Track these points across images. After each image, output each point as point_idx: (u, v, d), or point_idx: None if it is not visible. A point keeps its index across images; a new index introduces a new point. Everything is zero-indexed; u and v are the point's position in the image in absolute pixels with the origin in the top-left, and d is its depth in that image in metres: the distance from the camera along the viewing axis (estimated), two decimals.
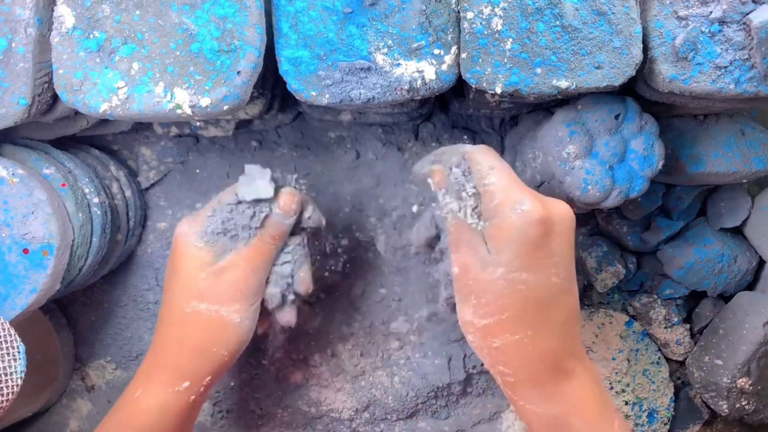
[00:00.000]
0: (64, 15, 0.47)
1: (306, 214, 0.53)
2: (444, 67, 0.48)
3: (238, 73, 0.46)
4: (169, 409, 0.49)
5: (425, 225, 0.51)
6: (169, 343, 0.51)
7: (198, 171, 0.65)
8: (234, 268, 0.49)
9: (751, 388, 0.61)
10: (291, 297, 0.52)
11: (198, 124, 0.61)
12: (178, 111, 0.47)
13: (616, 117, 0.52)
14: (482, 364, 0.67)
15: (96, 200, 0.56)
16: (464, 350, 0.66)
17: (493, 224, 0.44)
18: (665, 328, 0.67)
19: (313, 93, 0.48)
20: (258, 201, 0.50)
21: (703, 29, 0.46)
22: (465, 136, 0.65)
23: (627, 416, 0.67)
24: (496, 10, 0.46)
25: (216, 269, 0.49)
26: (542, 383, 0.44)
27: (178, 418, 0.50)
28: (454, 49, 0.48)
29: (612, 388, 0.67)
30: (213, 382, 0.51)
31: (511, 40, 0.46)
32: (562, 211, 0.45)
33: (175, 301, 0.50)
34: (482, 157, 0.46)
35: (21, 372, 0.46)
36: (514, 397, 0.45)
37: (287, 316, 0.53)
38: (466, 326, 0.45)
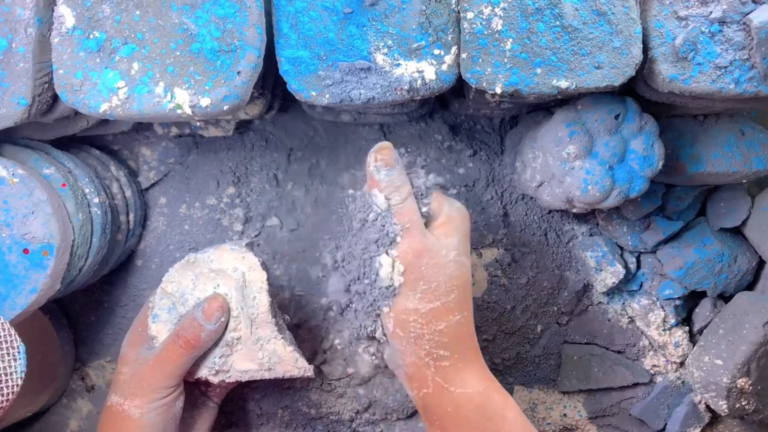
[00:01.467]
0: (65, 15, 0.47)
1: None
2: (444, 67, 0.48)
3: (239, 73, 0.46)
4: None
5: (362, 205, 0.49)
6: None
7: (198, 171, 0.65)
8: (142, 365, 0.51)
9: (751, 388, 0.61)
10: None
11: (198, 124, 0.61)
12: (179, 111, 0.47)
13: (616, 117, 0.52)
14: None
15: (96, 200, 0.56)
16: None
17: (440, 218, 0.49)
18: (663, 330, 0.67)
19: (313, 93, 0.48)
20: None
21: (703, 29, 0.46)
22: (460, 140, 0.65)
23: None
24: (496, 10, 0.46)
25: (133, 365, 0.52)
26: (473, 361, 0.49)
27: None
28: (454, 49, 0.48)
29: None
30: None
31: (511, 40, 0.47)
32: (465, 209, 0.51)
33: (110, 389, 0.53)
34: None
35: (21, 372, 0.46)
36: (446, 384, 0.47)
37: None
38: (409, 314, 0.46)
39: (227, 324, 0.51)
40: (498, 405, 0.48)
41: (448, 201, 0.50)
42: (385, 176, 0.47)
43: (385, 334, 0.50)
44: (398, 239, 0.46)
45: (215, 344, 0.51)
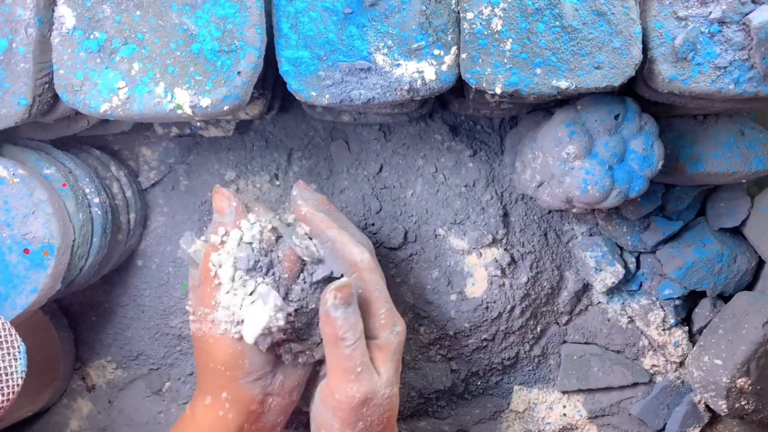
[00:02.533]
0: (65, 15, 0.47)
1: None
2: (444, 67, 0.48)
3: (239, 73, 0.46)
4: (200, 422, 0.51)
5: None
6: (196, 362, 0.53)
7: (198, 171, 0.65)
8: (195, 282, 0.51)
9: (750, 387, 0.61)
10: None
11: (198, 124, 0.61)
12: (179, 111, 0.47)
13: (616, 117, 0.52)
14: (484, 368, 0.67)
15: (96, 200, 0.56)
16: (468, 362, 0.66)
17: (380, 343, 0.49)
18: (663, 330, 0.67)
19: (314, 93, 0.48)
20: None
21: (702, 29, 0.46)
22: (460, 141, 0.65)
23: None
24: (496, 10, 0.46)
25: (192, 287, 0.52)
26: None
27: (211, 430, 0.50)
28: (454, 49, 0.48)
29: None
30: (246, 402, 0.51)
31: (510, 40, 0.47)
32: (404, 328, 0.51)
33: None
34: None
35: (21, 372, 0.46)
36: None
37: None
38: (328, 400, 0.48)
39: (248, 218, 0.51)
40: None
41: (391, 321, 0.50)
42: (341, 314, 0.47)
43: None
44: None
45: None
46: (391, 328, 0.50)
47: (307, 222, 0.51)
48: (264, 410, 0.52)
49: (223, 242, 0.50)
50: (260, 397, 0.51)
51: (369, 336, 0.49)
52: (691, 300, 0.69)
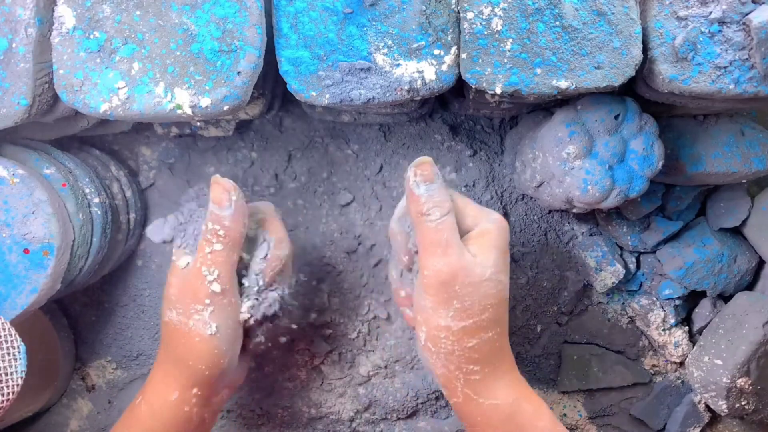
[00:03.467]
0: (65, 15, 0.47)
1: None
2: (444, 67, 0.48)
3: (239, 73, 0.46)
4: (162, 418, 0.49)
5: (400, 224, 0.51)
6: (160, 352, 0.51)
7: (198, 171, 0.65)
8: (186, 273, 0.49)
9: (750, 387, 0.61)
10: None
11: (198, 124, 0.61)
12: (179, 111, 0.47)
13: (616, 117, 0.52)
14: None
15: (96, 200, 0.56)
16: None
17: (476, 233, 0.48)
18: (663, 330, 0.67)
19: (313, 93, 0.48)
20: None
21: (702, 29, 0.46)
22: (460, 141, 0.65)
23: None
24: (496, 10, 0.46)
25: (180, 277, 0.49)
26: (504, 373, 0.48)
27: (172, 427, 0.49)
28: (454, 49, 0.48)
29: None
30: (209, 396, 0.51)
31: (511, 40, 0.47)
32: (505, 221, 0.50)
33: (162, 309, 0.51)
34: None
35: (21, 372, 0.46)
36: (475, 396, 0.48)
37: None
38: (440, 331, 0.47)
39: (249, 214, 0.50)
40: (528, 415, 0.48)
41: (485, 213, 0.49)
42: (424, 191, 0.47)
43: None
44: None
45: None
46: (486, 217, 0.48)
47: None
48: (222, 402, 0.53)
49: (214, 251, 0.48)
50: (224, 391, 0.52)
51: (464, 230, 0.48)
52: (691, 300, 0.69)
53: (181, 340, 0.49)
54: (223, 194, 0.49)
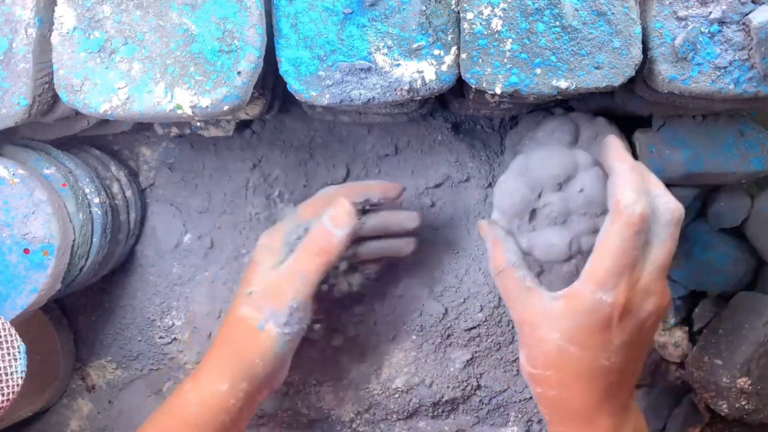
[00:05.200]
0: (65, 15, 0.47)
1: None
2: (444, 67, 0.48)
3: (239, 73, 0.46)
4: (209, 406, 0.50)
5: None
6: (218, 344, 0.52)
7: (198, 171, 0.65)
8: (274, 276, 0.51)
9: (750, 388, 0.61)
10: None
11: (198, 124, 0.61)
12: (179, 111, 0.47)
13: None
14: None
15: (97, 200, 0.56)
16: (474, 369, 0.66)
17: (569, 292, 0.44)
18: (663, 330, 0.67)
19: (313, 93, 0.48)
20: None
21: (702, 29, 0.46)
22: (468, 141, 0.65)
23: None
24: (496, 10, 0.46)
25: (265, 277, 0.51)
26: (577, 423, 0.46)
27: (217, 417, 0.50)
28: (454, 49, 0.48)
29: None
30: (254, 394, 0.52)
31: (510, 40, 0.47)
32: (653, 306, 0.43)
33: (233, 304, 0.52)
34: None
35: (21, 372, 0.46)
36: (551, 429, 0.49)
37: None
38: (521, 366, 0.48)
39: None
40: None
41: (597, 284, 0.42)
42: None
43: None
44: None
45: None
46: (595, 287, 0.43)
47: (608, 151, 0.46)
48: (261, 401, 0.54)
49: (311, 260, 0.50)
50: (265, 392, 0.53)
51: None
52: (691, 300, 0.69)
53: (246, 334, 0.50)
54: (345, 218, 0.50)
